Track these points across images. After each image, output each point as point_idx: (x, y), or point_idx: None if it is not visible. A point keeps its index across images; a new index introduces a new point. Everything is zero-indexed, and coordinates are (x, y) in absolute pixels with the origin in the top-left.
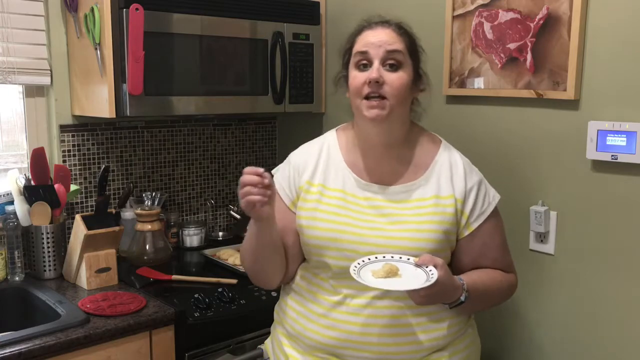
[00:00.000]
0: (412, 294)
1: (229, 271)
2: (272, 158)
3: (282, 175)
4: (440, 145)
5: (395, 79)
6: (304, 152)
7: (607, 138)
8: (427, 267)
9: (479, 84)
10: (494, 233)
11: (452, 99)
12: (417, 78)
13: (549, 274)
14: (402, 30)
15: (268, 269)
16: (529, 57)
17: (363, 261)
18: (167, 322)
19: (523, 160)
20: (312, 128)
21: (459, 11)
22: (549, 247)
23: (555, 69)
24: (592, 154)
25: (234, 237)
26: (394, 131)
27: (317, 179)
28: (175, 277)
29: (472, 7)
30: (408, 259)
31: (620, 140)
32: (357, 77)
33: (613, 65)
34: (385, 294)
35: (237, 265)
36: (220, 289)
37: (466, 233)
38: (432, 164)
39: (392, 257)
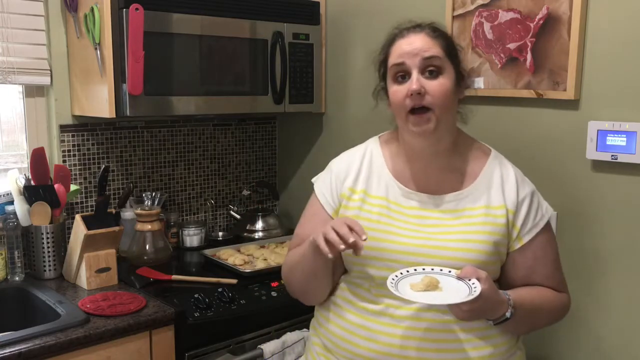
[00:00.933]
0: (454, 308)
1: (229, 271)
2: (272, 158)
3: (324, 183)
4: (490, 154)
5: (436, 87)
6: (346, 159)
7: (607, 138)
8: (469, 280)
9: (479, 84)
10: (547, 247)
11: None
12: (460, 79)
13: None
14: (437, 33)
15: (319, 287)
16: (528, 57)
17: (401, 273)
18: (167, 322)
19: (523, 161)
20: (312, 128)
21: (459, 11)
22: None
23: (555, 69)
24: (592, 154)
25: (234, 237)
26: (442, 140)
27: (359, 185)
28: (175, 277)
29: (472, 7)
30: (449, 272)
31: (620, 140)
32: (398, 92)
33: (613, 66)
34: (431, 306)
35: (237, 265)
36: (220, 289)
37: (517, 246)
38: (481, 173)
39: (432, 269)
